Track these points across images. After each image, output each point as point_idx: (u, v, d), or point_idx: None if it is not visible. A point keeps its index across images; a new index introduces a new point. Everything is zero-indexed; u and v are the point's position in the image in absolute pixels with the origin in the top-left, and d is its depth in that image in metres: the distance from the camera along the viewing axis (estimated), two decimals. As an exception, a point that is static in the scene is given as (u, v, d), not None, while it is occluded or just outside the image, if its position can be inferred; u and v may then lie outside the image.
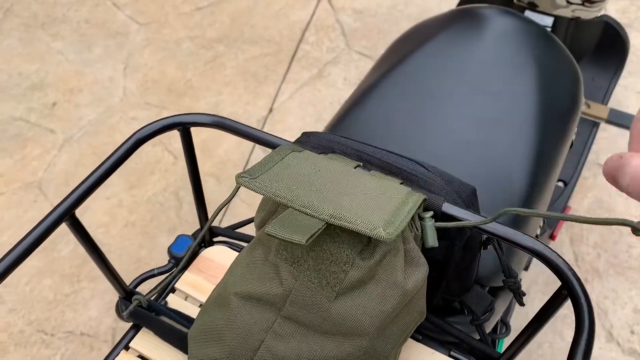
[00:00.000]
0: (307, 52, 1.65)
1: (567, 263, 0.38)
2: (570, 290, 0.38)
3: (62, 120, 1.55)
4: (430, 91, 0.70)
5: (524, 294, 0.45)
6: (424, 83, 0.71)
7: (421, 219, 0.40)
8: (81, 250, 1.30)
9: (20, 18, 1.78)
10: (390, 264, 0.38)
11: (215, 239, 0.58)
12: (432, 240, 0.40)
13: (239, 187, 0.44)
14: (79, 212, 1.34)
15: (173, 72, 1.63)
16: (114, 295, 1.24)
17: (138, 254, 1.30)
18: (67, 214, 0.42)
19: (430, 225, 0.39)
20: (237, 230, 0.57)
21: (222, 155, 1.40)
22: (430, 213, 0.40)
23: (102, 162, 0.45)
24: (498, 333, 0.65)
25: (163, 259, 1.29)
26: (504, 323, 0.65)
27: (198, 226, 1.33)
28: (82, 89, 1.61)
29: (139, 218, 1.35)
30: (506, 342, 1.00)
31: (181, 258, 0.54)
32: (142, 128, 0.47)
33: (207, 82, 1.60)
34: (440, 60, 0.73)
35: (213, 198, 1.38)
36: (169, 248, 0.54)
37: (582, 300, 0.37)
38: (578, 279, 0.38)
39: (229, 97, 1.57)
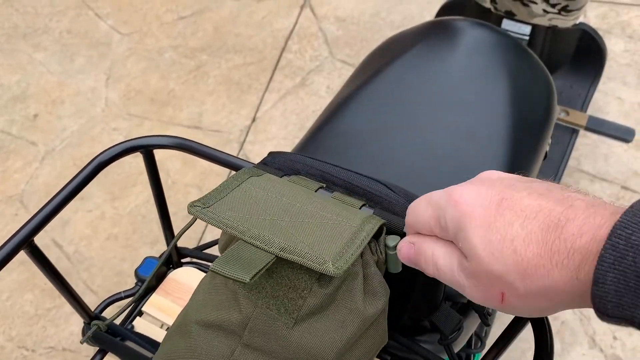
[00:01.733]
0: (290, 61, 1.65)
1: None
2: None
3: (44, 132, 1.54)
4: (404, 105, 0.70)
5: (490, 314, 0.45)
6: (397, 97, 0.71)
7: (385, 245, 0.40)
8: (62, 264, 1.29)
9: (1, 29, 1.77)
10: (349, 290, 0.37)
11: (183, 260, 0.57)
12: (394, 267, 0.39)
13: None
14: (59, 224, 1.33)
15: (156, 82, 1.62)
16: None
17: (120, 267, 1.29)
18: (25, 242, 0.42)
19: (392, 253, 0.39)
20: (206, 250, 0.57)
21: (204, 165, 1.39)
22: (394, 238, 0.40)
23: (62, 188, 0.45)
24: (472, 348, 0.65)
25: (145, 272, 1.28)
26: (479, 337, 0.65)
27: (182, 239, 1.31)
28: (64, 100, 1.60)
29: (121, 231, 1.34)
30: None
31: (149, 280, 0.53)
32: (103, 152, 0.47)
33: (190, 92, 1.60)
34: (413, 73, 0.73)
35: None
36: (136, 270, 0.54)
37: (545, 325, 0.37)
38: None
39: (212, 106, 1.56)
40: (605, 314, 0.26)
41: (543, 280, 0.28)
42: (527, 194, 0.30)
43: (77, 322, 1.22)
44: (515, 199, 0.30)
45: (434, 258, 0.34)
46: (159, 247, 1.31)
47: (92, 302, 1.23)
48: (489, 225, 0.30)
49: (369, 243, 0.38)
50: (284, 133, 1.50)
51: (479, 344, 0.64)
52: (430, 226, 0.34)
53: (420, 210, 0.35)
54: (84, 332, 0.52)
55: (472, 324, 0.59)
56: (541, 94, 0.76)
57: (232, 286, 0.38)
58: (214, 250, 0.56)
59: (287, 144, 1.48)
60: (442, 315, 0.49)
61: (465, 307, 0.58)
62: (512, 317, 0.41)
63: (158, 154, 0.49)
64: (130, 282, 1.27)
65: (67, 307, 1.24)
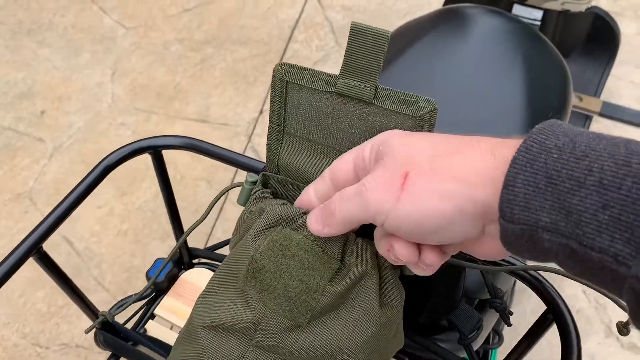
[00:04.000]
0: (296, 51, 1.63)
1: (552, 286, 0.37)
2: (556, 314, 0.36)
3: (51, 128, 1.53)
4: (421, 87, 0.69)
5: (511, 313, 0.44)
6: (410, 88, 0.70)
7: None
8: (73, 260, 1.28)
9: (6, 25, 1.76)
10: (363, 290, 0.36)
11: (194, 261, 0.56)
12: (409, 270, 0.38)
13: (210, 209, 0.42)
14: (69, 221, 1.33)
15: (162, 75, 1.61)
16: (107, 306, 1.23)
17: (131, 263, 1.29)
18: (33, 249, 0.41)
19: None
20: (217, 251, 0.56)
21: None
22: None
23: (69, 192, 0.44)
24: (491, 343, 0.64)
25: (156, 268, 1.28)
26: (497, 333, 0.64)
27: (191, 233, 1.31)
28: (71, 96, 1.59)
29: (130, 226, 1.34)
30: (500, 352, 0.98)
31: (159, 282, 0.52)
32: (110, 154, 0.46)
33: (197, 85, 1.58)
34: (424, 64, 0.72)
35: (204, 202, 1.36)
36: (147, 272, 0.53)
37: (571, 326, 0.36)
38: (564, 303, 0.37)
39: (219, 99, 1.55)
40: (511, 221, 0.25)
41: (454, 159, 0.28)
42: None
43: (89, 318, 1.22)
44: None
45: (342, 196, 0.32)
46: (169, 242, 1.31)
47: (104, 299, 1.24)
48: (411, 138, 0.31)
49: None
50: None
51: (497, 339, 0.63)
52: (349, 172, 0.34)
53: (342, 162, 0.35)
54: (95, 337, 0.51)
55: (490, 320, 0.57)
56: (556, 81, 0.74)
57: (241, 286, 0.37)
58: (226, 250, 0.55)
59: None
60: (461, 314, 0.47)
61: (484, 304, 0.57)
62: (525, 317, 0.40)
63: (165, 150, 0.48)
64: (141, 279, 1.27)
65: (79, 304, 1.24)
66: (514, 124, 0.65)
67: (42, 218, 0.41)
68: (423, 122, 0.35)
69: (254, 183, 0.41)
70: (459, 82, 0.69)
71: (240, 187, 0.41)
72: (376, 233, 0.35)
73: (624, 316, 1.02)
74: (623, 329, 0.34)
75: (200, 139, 0.49)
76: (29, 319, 1.23)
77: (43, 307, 1.24)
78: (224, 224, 1.33)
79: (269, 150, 0.40)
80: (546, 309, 0.37)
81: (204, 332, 0.38)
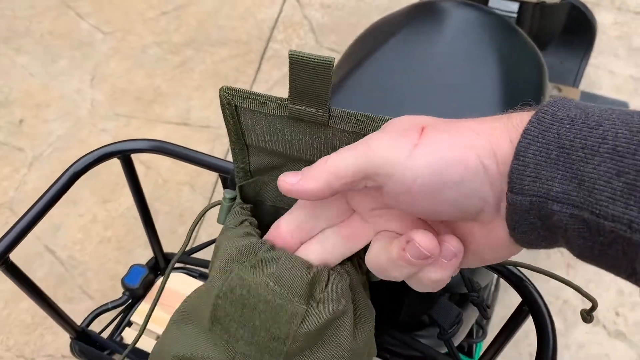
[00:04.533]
0: (276, 51, 1.62)
1: (527, 278, 0.37)
2: (531, 306, 0.36)
3: (31, 137, 1.51)
4: (390, 92, 0.68)
5: (489, 307, 0.44)
6: (384, 84, 0.69)
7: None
8: (57, 269, 1.27)
9: (-19, 34, 1.74)
10: (339, 327, 0.34)
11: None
12: (375, 277, 0.37)
13: (190, 234, 0.41)
14: (51, 230, 1.31)
15: (141, 79, 1.60)
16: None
17: (115, 270, 1.28)
18: (0, 259, 0.40)
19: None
20: (194, 255, 0.55)
21: (195, 162, 1.37)
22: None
23: (37, 200, 0.43)
24: (474, 337, 0.63)
25: (141, 274, 1.27)
26: (481, 326, 0.64)
27: (175, 237, 1.30)
28: (50, 103, 1.57)
29: (114, 233, 1.32)
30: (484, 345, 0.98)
31: (135, 289, 0.51)
32: (78, 160, 0.45)
33: (177, 88, 1.57)
34: (399, 59, 0.71)
35: (188, 207, 1.35)
36: (122, 279, 0.52)
37: (546, 317, 0.35)
38: (539, 295, 0.36)
39: (200, 102, 1.54)
40: (520, 192, 0.24)
41: (470, 121, 0.27)
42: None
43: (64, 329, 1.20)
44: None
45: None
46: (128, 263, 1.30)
47: (89, 308, 1.22)
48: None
49: (357, 259, 0.36)
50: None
51: (481, 333, 0.63)
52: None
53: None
54: (71, 347, 0.50)
55: (472, 315, 0.57)
56: (532, 73, 0.74)
57: (208, 327, 0.36)
58: (203, 254, 0.55)
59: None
60: (440, 310, 0.47)
61: (464, 298, 0.57)
62: (512, 310, 0.39)
63: (146, 155, 0.47)
64: (126, 285, 1.26)
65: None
66: (490, 114, 0.65)
67: None
68: None
69: (233, 199, 0.39)
70: (433, 75, 0.68)
71: (219, 205, 0.40)
72: (376, 244, 0.31)
73: (610, 305, 1.02)
74: (587, 316, 0.34)
75: (172, 142, 0.48)
76: (13, 330, 1.21)
77: (27, 318, 1.22)
78: (208, 229, 1.31)
79: (235, 159, 0.38)
80: (521, 302, 0.37)
81: None
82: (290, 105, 0.33)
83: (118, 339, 0.50)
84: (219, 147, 1.45)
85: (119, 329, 0.52)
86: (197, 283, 0.54)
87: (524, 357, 1.13)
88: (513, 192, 0.25)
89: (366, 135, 0.31)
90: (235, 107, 0.35)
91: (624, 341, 1.14)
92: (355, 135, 0.33)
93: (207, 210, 0.41)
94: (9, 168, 1.46)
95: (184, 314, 0.37)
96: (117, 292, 1.24)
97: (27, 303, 1.24)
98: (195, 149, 0.46)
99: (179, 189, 1.38)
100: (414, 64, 0.70)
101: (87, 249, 1.30)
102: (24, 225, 0.42)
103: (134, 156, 0.47)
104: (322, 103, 0.32)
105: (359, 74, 0.70)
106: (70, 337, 0.49)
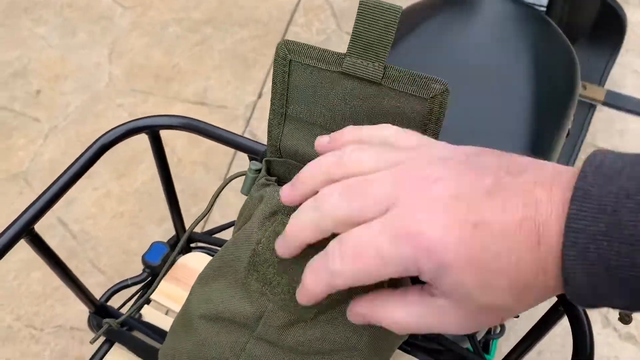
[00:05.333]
0: (296, 34, 1.61)
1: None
2: (568, 307, 0.35)
3: (47, 108, 1.51)
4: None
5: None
6: (415, 69, 0.68)
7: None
8: (68, 243, 1.27)
9: (1, 3, 1.73)
10: (374, 285, 0.35)
11: (192, 245, 0.55)
12: None
13: (214, 201, 0.41)
14: (64, 203, 1.31)
15: (160, 56, 1.59)
16: (102, 289, 1.22)
17: (128, 245, 1.28)
18: (24, 231, 0.39)
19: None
20: (216, 235, 0.54)
21: (211, 142, 1.36)
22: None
23: (63, 172, 0.42)
24: (492, 334, 0.63)
25: (152, 251, 1.27)
26: (499, 324, 0.63)
27: (188, 216, 1.30)
28: (67, 75, 1.57)
29: (127, 209, 1.32)
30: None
31: (155, 267, 0.51)
32: (105, 133, 0.44)
33: (195, 67, 1.56)
34: (429, 49, 0.70)
35: (201, 187, 1.35)
36: (143, 256, 0.52)
37: (583, 319, 0.34)
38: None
39: (217, 82, 1.53)
40: (582, 304, 0.25)
41: (531, 288, 0.25)
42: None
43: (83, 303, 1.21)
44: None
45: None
46: (166, 226, 1.30)
47: (99, 282, 1.23)
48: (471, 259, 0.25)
49: None
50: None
51: (499, 330, 0.62)
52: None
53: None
54: (89, 322, 0.50)
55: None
56: (564, 68, 0.72)
57: (242, 278, 0.36)
58: (224, 235, 0.54)
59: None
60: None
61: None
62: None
63: (164, 131, 0.47)
64: (137, 262, 1.26)
65: (75, 287, 1.23)
66: (521, 109, 0.64)
67: None
68: (434, 105, 0.33)
69: (258, 171, 0.39)
70: (465, 65, 0.67)
71: (244, 176, 0.40)
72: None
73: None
74: (626, 317, 0.33)
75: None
76: (24, 300, 1.22)
77: (38, 289, 1.23)
78: (222, 210, 1.31)
79: (270, 133, 0.38)
80: (557, 301, 0.36)
81: (202, 322, 0.36)
82: (347, 59, 0.33)
83: (136, 315, 0.50)
84: (235, 129, 1.44)
85: (137, 305, 0.51)
86: (218, 264, 0.53)
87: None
88: (580, 304, 0.25)
89: (415, 94, 0.32)
90: (290, 62, 0.35)
91: (634, 344, 1.13)
92: (406, 98, 0.33)
93: (232, 180, 0.41)
94: (25, 139, 1.46)
95: (214, 269, 0.37)
96: (129, 268, 1.25)
97: (38, 274, 1.24)
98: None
99: (193, 169, 1.38)
100: (446, 51, 0.69)
101: (99, 224, 1.31)
102: (50, 197, 0.41)
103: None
104: (380, 56, 0.33)
105: (390, 57, 0.68)
106: (90, 311, 0.49)
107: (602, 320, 1.16)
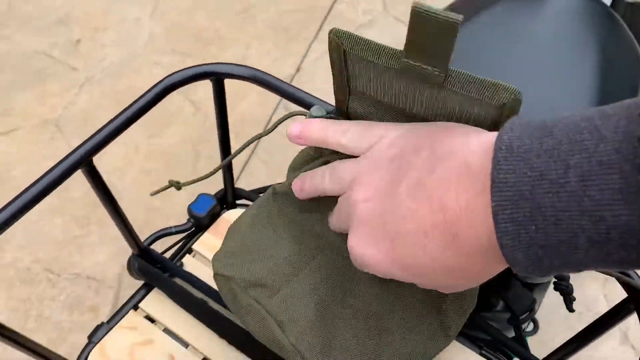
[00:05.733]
0: (341, 12, 1.58)
1: (637, 274, 0.34)
2: (639, 303, 0.33)
3: (85, 58, 1.50)
4: (479, 69, 0.65)
5: (574, 299, 0.41)
6: (474, 59, 0.66)
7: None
8: (92, 194, 1.27)
9: (50, -52, 1.72)
10: None
11: (238, 202, 0.54)
12: None
13: (275, 127, 0.40)
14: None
15: (202, 19, 1.57)
16: (122, 243, 1.22)
17: (151, 203, 1.28)
18: (84, 161, 0.39)
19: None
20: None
21: (243, 111, 1.35)
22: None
23: (126, 108, 0.41)
24: (524, 330, 0.61)
25: (175, 213, 1.26)
26: (532, 320, 0.61)
27: (213, 185, 1.29)
28: (108, 28, 1.56)
29: (154, 167, 1.32)
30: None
31: (201, 218, 0.50)
32: (172, 74, 0.43)
33: (236, 34, 1.54)
34: (489, 37, 0.68)
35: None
36: (189, 206, 0.51)
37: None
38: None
39: (257, 51, 1.51)
40: (540, 275, 0.25)
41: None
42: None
43: (103, 252, 1.21)
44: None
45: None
46: (191, 189, 1.29)
47: (119, 234, 1.22)
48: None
49: None
50: (327, 87, 1.44)
51: (532, 327, 0.60)
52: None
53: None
54: (129, 264, 0.49)
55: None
56: (629, 69, 0.70)
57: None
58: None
59: (329, 101, 1.42)
60: (515, 295, 0.45)
61: (529, 285, 0.54)
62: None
63: (202, 92, 0.46)
64: (158, 220, 1.26)
65: (95, 237, 1.23)
66: (586, 106, 0.61)
67: (68, 147, 0.38)
68: (503, 111, 0.30)
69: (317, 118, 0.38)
70: (526, 59, 0.65)
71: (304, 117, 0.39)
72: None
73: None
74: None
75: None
76: (44, 245, 1.22)
77: (59, 235, 1.23)
78: (269, 169, 1.30)
79: (337, 99, 0.37)
80: (625, 298, 0.34)
81: (283, 225, 0.38)
82: (404, 59, 0.30)
83: (178, 264, 0.49)
84: (271, 99, 1.42)
85: (178, 254, 0.51)
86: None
87: None
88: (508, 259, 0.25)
89: (483, 100, 0.30)
90: (344, 52, 0.32)
91: (652, 364, 1.11)
92: (472, 101, 0.30)
93: (293, 116, 0.40)
94: (60, 86, 1.46)
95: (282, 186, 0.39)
96: (150, 224, 1.25)
97: (60, 220, 1.25)
98: (247, 98, 0.44)
99: (225, 135, 1.37)
100: (505, 43, 0.67)
101: (126, 177, 1.30)
102: (110, 131, 0.40)
103: (188, 94, 0.45)
104: (441, 63, 0.29)
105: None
106: (132, 253, 0.48)
107: (620, 336, 1.14)
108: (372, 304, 0.36)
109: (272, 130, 0.39)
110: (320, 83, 1.45)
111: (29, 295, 1.16)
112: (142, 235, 0.54)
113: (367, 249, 0.30)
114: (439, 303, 0.37)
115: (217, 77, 0.43)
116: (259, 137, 0.40)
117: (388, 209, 0.29)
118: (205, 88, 0.49)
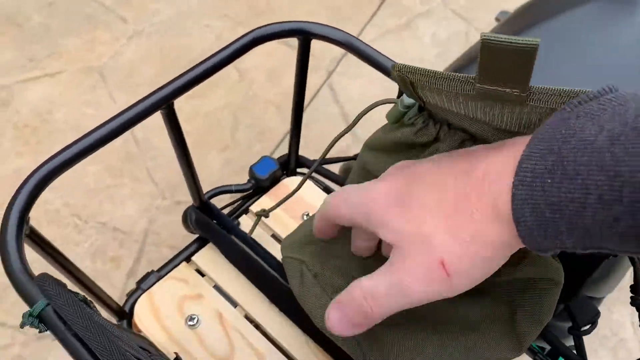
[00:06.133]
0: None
1: None
2: None
3: (136, 11, 1.50)
4: (558, 70, 0.62)
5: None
6: (553, 57, 0.63)
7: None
8: (129, 147, 1.27)
9: None
10: None
11: (299, 170, 0.53)
12: None
13: (358, 119, 0.39)
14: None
15: (257, -12, 1.56)
16: (154, 200, 1.22)
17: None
18: (164, 103, 0.38)
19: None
20: (326, 166, 0.52)
21: (288, 84, 1.33)
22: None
23: (210, 56, 0.40)
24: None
25: (209, 176, 1.26)
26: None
27: (250, 152, 1.28)
28: (162, -17, 1.55)
29: (193, 129, 1.31)
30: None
31: (262, 180, 0.49)
32: (261, 27, 0.41)
33: (289, 7, 1.52)
34: (576, 34, 0.65)
35: (270, 126, 1.33)
36: (251, 167, 0.50)
37: None
38: None
39: (309, 27, 1.49)
40: (539, 249, 0.25)
41: (469, 225, 0.27)
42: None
43: (133, 206, 1.21)
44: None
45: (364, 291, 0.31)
46: (227, 155, 1.28)
47: (150, 192, 1.23)
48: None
49: None
50: (374, 74, 1.42)
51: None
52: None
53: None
54: (185, 215, 0.48)
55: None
56: None
57: None
58: (334, 168, 0.52)
59: (374, 88, 1.40)
60: (579, 304, 0.43)
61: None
62: None
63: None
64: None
65: (127, 190, 1.23)
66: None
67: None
68: None
69: (408, 107, 0.37)
70: (614, 63, 0.62)
71: (392, 105, 0.37)
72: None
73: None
74: None
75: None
76: (75, 191, 1.23)
77: (91, 183, 1.24)
78: (335, 146, 1.28)
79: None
80: None
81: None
82: (479, 85, 0.28)
83: (235, 223, 0.48)
84: (316, 79, 1.41)
85: (235, 213, 0.49)
86: (321, 193, 0.51)
87: None
88: (533, 248, 0.26)
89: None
90: (411, 83, 0.31)
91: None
92: (552, 110, 0.29)
93: (382, 103, 0.38)
94: (109, 35, 1.45)
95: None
96: (181, 187, 1.24)
97: (94, 169, 1.25)
98: (291, 72, 0.42)
99: (266, 107, 1.35)
100: (594, 43, 0.64)
101: (164, 136, 1.29)
102: (193, 76, 0.39)
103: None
104: (521, 85, 0.28)
105: (531, 34, 0.64)
106: (193, 205, 0.47)
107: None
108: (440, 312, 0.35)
109: (360, 118, 0.39)
110: (367, 70, 1.42)
111: (54, 237, 1.16)
112: (171, 194, 0.53)
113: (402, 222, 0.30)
114: (512, 312, 0.36)
115: (305, 37, 0.42)
116: (349, 128, 0.39)
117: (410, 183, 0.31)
118: (252, 57, 0.48)
